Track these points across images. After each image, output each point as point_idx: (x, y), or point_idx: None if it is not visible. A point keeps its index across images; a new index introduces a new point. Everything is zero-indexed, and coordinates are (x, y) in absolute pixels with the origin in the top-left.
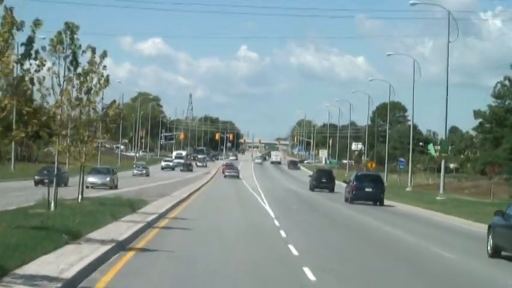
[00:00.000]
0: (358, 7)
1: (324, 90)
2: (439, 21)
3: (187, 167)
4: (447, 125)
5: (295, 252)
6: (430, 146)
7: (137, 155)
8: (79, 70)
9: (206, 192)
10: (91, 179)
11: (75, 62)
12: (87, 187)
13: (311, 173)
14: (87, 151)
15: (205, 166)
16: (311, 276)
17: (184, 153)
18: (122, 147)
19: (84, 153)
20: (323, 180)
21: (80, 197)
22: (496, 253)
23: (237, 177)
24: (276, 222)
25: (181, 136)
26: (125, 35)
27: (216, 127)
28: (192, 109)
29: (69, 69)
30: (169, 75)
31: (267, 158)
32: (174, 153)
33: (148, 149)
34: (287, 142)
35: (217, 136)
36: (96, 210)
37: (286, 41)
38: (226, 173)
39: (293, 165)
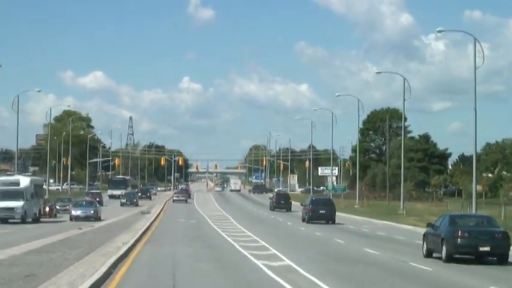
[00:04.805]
0: (299, 35)
1: (269, 118)
2: (381, 48)
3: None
4: None
5: None
6: None
7: (61, 188)
8: None
9: None
10: None
11: None
12: None
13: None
14: None
15: (98, 217)
16: None
17: (26, 181)
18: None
19: None
20: (281, 202)
21: None
22: (429, 254)
23: (185, 201)
24: None
25: (117, 162)
26: (65, 69)
27: (161, 154)
28: (132, 134)
29: None
30: (112, 108)
31: (226, 186)
32: None
33: (69, 179)
34: (243, 170)
35: (163, 161)
36: None
37: (228, 71)
38: (175, 198)
39: (258, 189)
